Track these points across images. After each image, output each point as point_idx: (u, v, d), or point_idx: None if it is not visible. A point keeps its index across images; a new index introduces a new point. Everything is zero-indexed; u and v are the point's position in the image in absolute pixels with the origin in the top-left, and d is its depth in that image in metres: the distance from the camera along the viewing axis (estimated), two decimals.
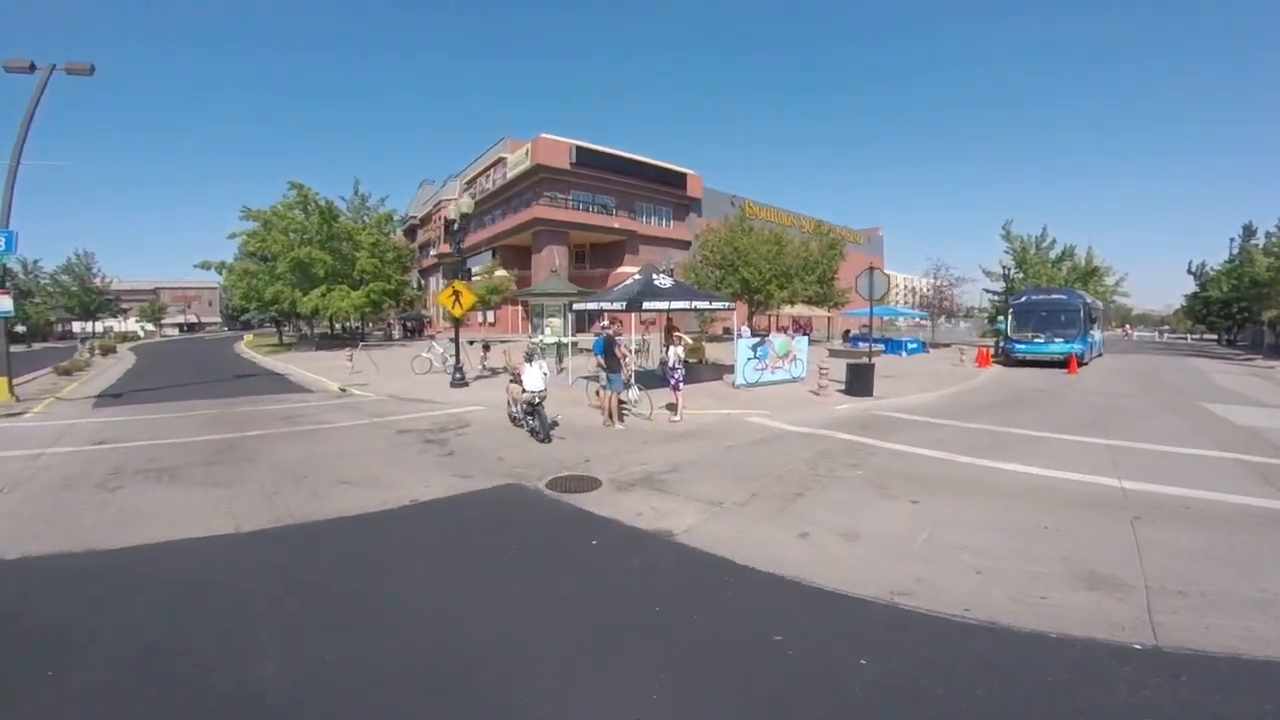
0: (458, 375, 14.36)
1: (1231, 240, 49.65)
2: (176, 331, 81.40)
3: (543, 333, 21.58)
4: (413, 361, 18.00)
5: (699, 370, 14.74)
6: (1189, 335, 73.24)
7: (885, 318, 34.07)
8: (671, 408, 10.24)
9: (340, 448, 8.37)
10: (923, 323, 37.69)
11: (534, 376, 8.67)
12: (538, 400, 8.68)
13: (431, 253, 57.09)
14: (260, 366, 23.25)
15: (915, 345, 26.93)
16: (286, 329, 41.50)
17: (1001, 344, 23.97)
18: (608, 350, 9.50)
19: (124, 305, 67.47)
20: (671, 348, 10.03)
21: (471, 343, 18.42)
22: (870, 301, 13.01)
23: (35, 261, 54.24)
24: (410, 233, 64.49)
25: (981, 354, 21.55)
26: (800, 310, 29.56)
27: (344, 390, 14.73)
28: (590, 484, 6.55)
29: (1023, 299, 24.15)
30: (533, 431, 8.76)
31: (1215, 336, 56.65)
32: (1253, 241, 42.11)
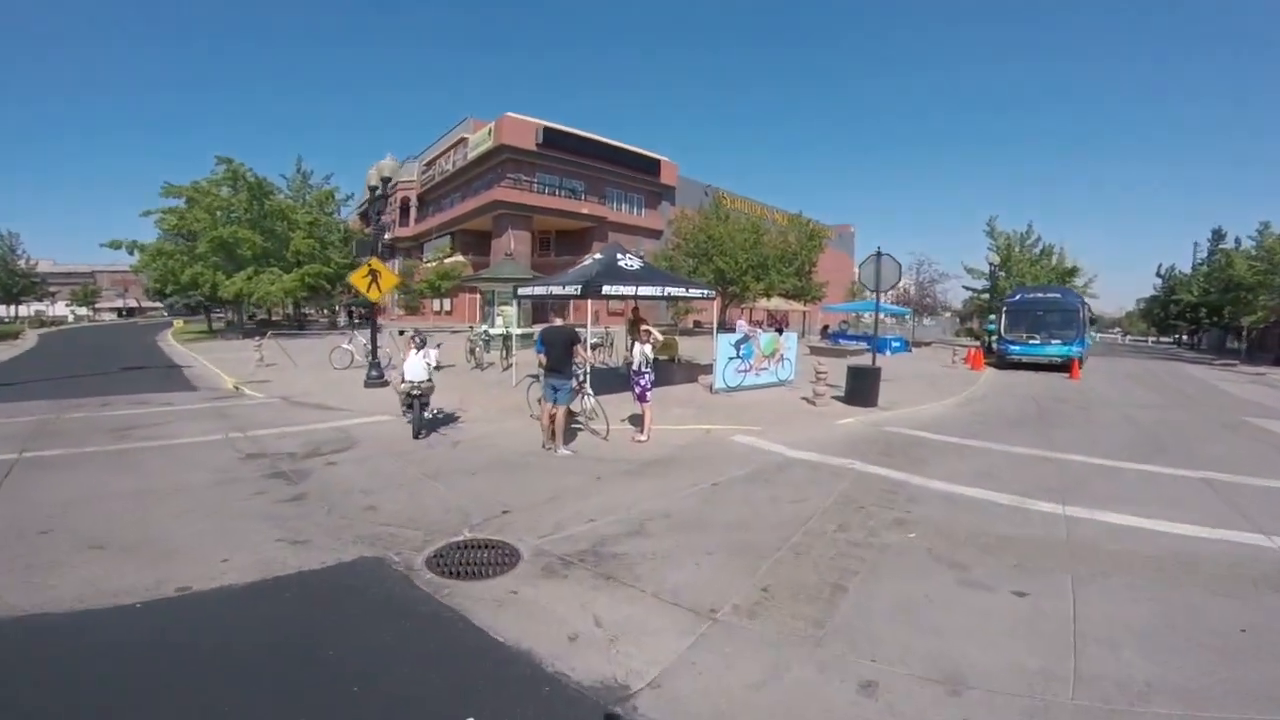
0: (374, 374, 11.68)
1: (1196, 245, 50.12)
2: (115, 316, 75.96)
3: (492, 322, 19.02)
4: (331, 354, 15.15)
5: (670, 370, 12.36)
6: (1148, 339, 74.88)
7: (863, 314, 32.40)
8: (636, 422, 7.87)
9: (149, 480, 5.72)
10: (904, 320, 36.21)
11: (414, 365, 7.77)
12: (416, 393, 7.68)
13: (387, 235, 53.51)
14: (164, 358, 19.87)
15: (899, 344, 25.17)
16: (223, 316, 37.67)
17: (994, 344, 22.36)
18: (556, 345, 6.98)
19: (51, 288, 63.41)
20: (638, 345, 7.65)
21: (402, 333, 15.62)
22: (877, 293, 10.85)
23: None
24: (366, 217, 60.94)
25: (974, 355, 19.82)
26: (777, 304, 27.55)
27: (237, 389, 11.95)
28: (501, 560, 4.13)
29: (1016, 297, 22.63)
30: (416, 434, 7.63)
31: (1171, 340, 57.38)
32: (1222, 245, 42.24)
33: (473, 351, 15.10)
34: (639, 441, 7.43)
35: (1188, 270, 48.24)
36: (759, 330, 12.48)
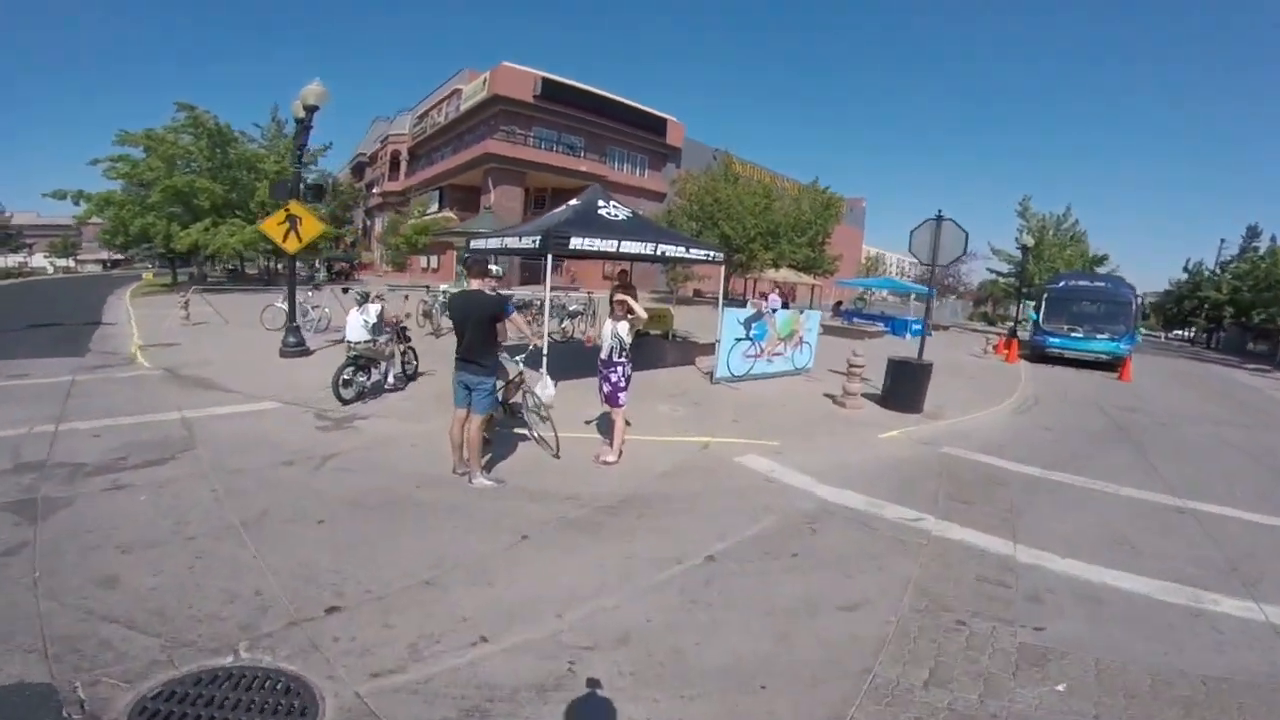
0: (291, 340, 9.38)
1: (1223, 241, 47.23)
2: (100, 268, 73.45)
3: (460, 283, 16.62)
4: (262, 313, 12.82)
5: (661, 349, 10.07)
6: (1160, 334, 71.89)
7: (880, 291, 29.89)
8: (605, 429, 5.63)
9: None
10: (920, 300, 33.68)
11: (352, 324, 7.18)
12: (352, 353, 6.92)
13: (374, 190, 50.70)
14: (94, 314, 17.38)
15: (918, 326, 22.74)
16: (188, 269, 35.16)
17: (1029, 334, 20.06)
18: (468, 321, 4.47)
19: (28, 240, 62.15)
20: (610, 324, 5.27)
21: (345, 290, 13.27)
22: (932, 265, 8.48)
23: None
24: (359, 171, 58.16)
25: (1006, 345, 17.56)
26: (786, 275, 24.99)
27: (139, 351, 9.76)
28: None
29: (1060, 284, 20.12)
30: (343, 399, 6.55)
31: (1183, 337, 54.68)
32: (1254, 244, 39.43)
33: (428, 314, 12.76)
34: (605, 463, 5.18)
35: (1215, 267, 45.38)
36: (774, 305, 10.11)
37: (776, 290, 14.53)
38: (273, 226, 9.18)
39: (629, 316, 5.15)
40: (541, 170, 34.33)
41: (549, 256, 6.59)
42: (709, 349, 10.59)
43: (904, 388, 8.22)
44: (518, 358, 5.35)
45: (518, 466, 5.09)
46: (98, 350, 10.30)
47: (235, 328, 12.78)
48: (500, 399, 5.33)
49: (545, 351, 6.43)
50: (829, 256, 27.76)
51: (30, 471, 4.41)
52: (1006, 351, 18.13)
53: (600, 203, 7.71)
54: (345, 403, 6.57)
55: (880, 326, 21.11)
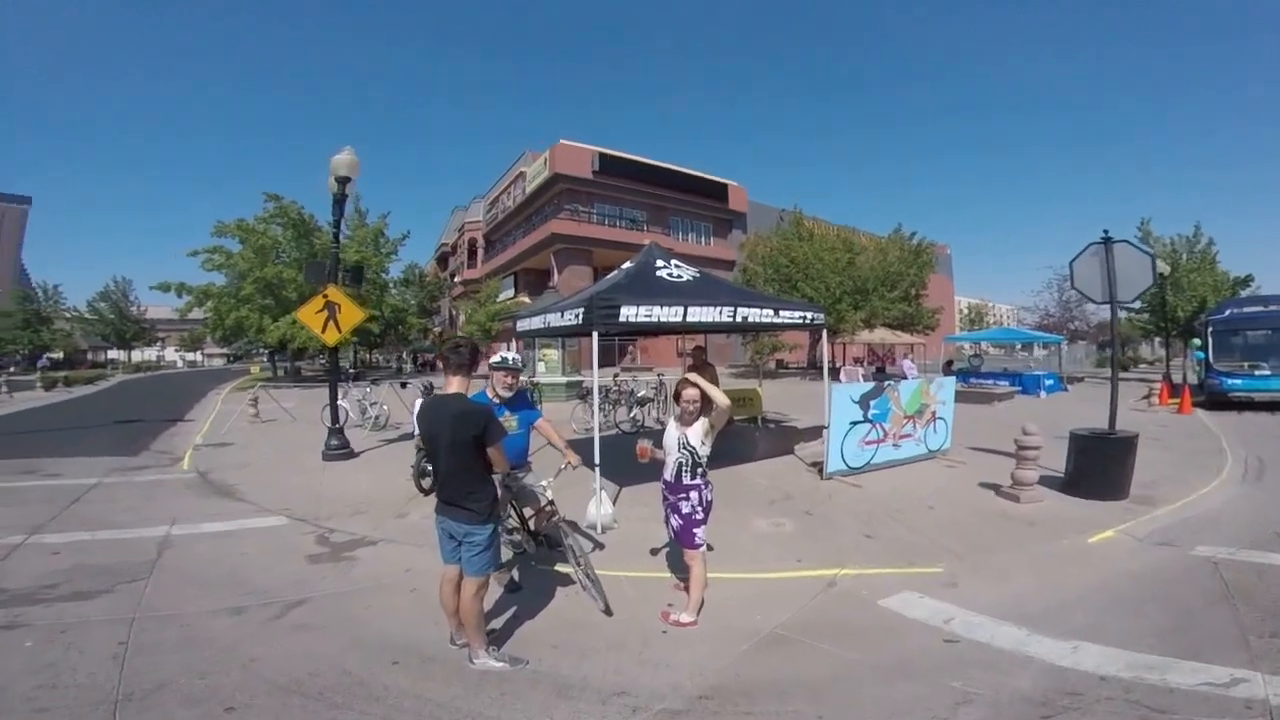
0: (333, 444, 8.44)
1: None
2: (222, 361, 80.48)
3: (532, 369, 15.70)
4: (322, 411, 12.25)
5: (747, 438, 8.23)
6: None
7: (1000, 344, 26.47)
8: (675, 567, 3.87)
9: None
10: (1050, 349, 29.59)
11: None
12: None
13: (456, 279, 53.14)
14: (180, 410, 17.95)
15: (1052, 381, 19.37)
16: (285, 363, 37.47)
17: (1198, 377, 16.44)
18: (439, 443, 2.91)
19: (160, 334, 67.06)
20: (673, 426, 3.54)
21: (404, 385, 12.54)
22: (1113, 305, 6.29)
23: (55, 287, 53.03)
24: (443, 261, 61.69)
25: (1172, 394, 14.22)
26: (881, 336, 22.46)
27: (191, 451, 9.53)
28: None
29: (1225, 314, 16.60)
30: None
31: None
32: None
33: None
34: (678, 625, 3.40)
35: None
36: (910, 371, 8.09)
37: (909, 357, 12.46)
38: (310, 315, 8.46)
39: (704, 415, 3.45)
40: (605, 247, 34.37)
41: (596, 335, 5.13)
42: (811, 434, 8.64)
43: (1098, 467, 5.94)
44: (545, 481, 3.78)
45: (548, 629, 3.44)
46: (154, 450, 10.06)
47: (301, 426, 12.36)
48: (526, 533, 3.78)
49: (598, 461, 4.84)
50: (928, 310, 25.01)
51: None
52: (1176, 401, 14.73)
53: (659, 262, 6.24)
54: (426, 493, 5.40)
55: (1007, 385, 18.05)
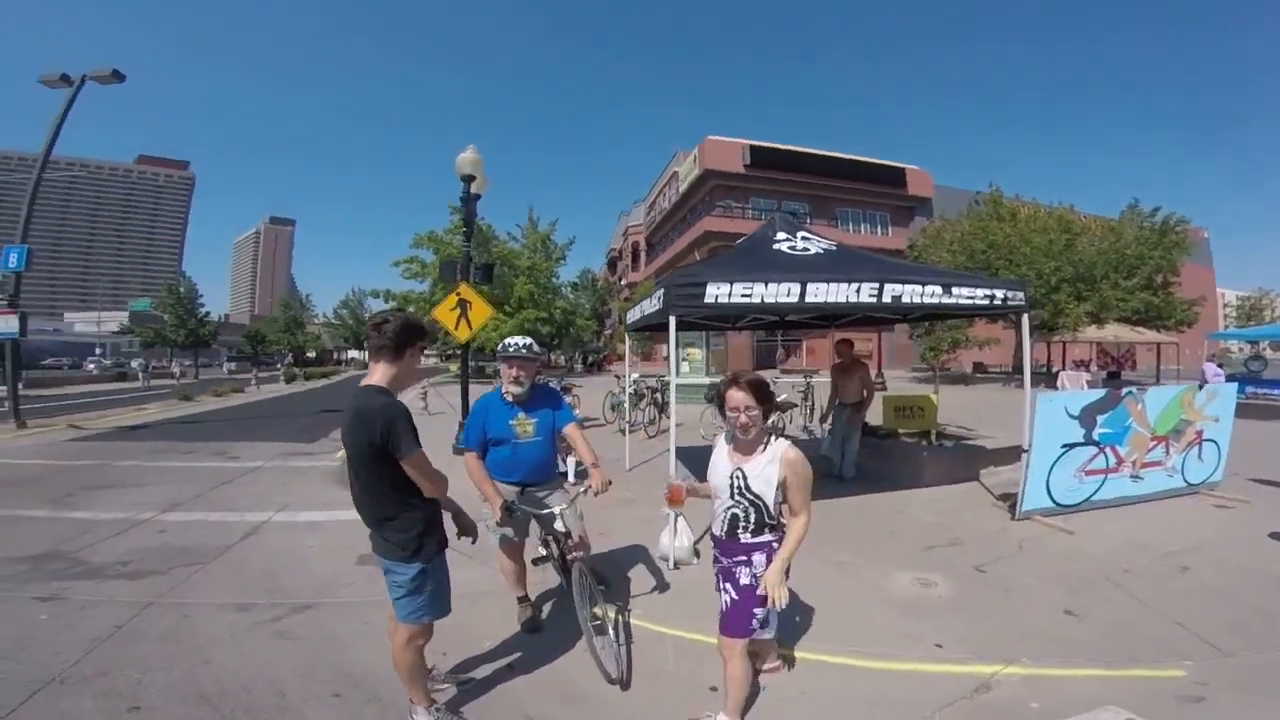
0: (462, 437, 8.53)
1: None
2: (435, 360, 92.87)
3: (676, 369, 15.04)
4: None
5: (913, 459, 6.54)
6: None
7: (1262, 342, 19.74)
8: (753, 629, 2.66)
9: None
10: None
11: None
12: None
13: (623, 282, 55.12)
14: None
15: None
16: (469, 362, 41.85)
17: None
18: (357, 463, 2.14)
19: None
20: (729, 453, 2.26)
21: (563, 388, 12.56)
22: None
23: (308, 296, 67.00)
24: (613, 265, 64.62)
25: None
26: (1117, 333, 17.53)
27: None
28: None
29: None
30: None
31: None
32: None
33: (615, 408, 11.21)
34: None
35: None
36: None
37: (1214, 359, 10.09)
38: (445, 313, 8.66)
39: (772, 431, 2.32)
40: None
41: (673, 322, 4.12)
42: (1007, 456, 6.63)
43: None
44: (558, 508, 2.91)
45: (537, 694, 2.62)
46: (330, 438, 11.13)
47: (458, 417, 13.20)
48: (559, 566, 3.07)
49: (674, 476, 3.83)
50: (1182, 301, 19.21)
51: (27, 564, 4.14)
52: None
53: (780, 235, 4.97)
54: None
55: None
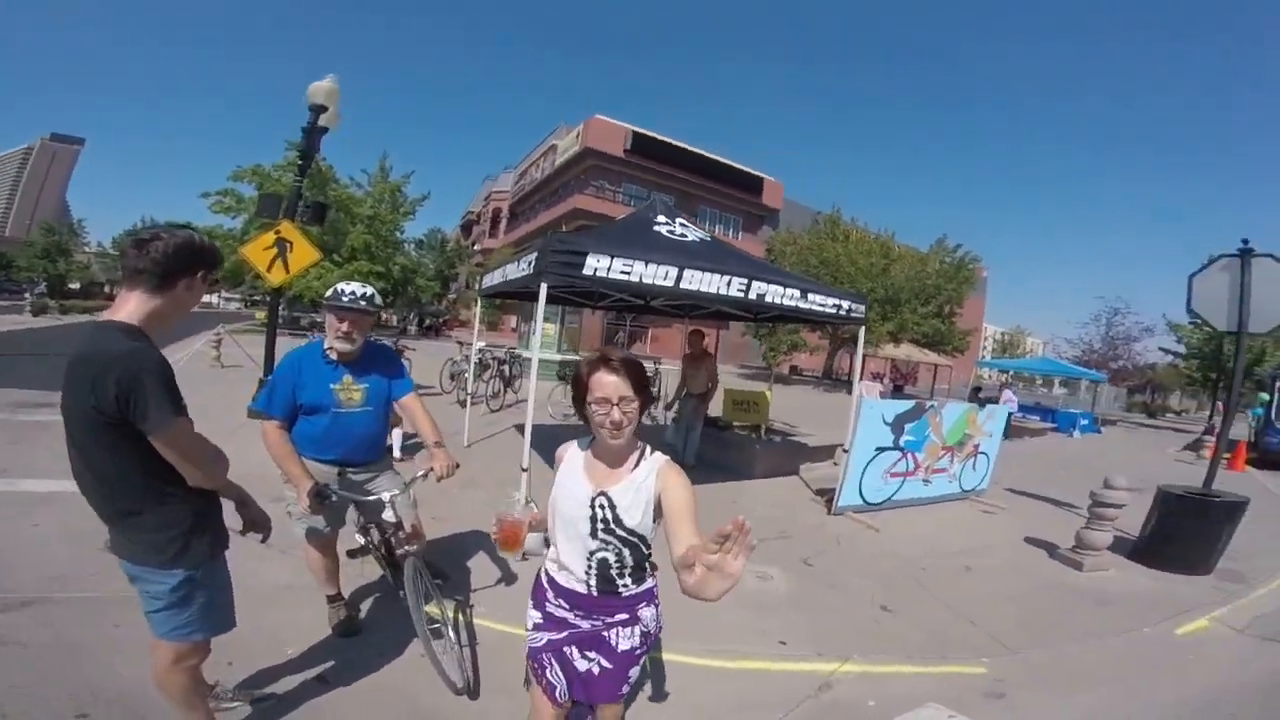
0: (262, 397, 7.22)
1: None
2: (238, 305, 79.93)
3: (526, 342, 14.48)
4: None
5: (746, 451, 6.90)
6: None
7: (1033, 374, 24.78)
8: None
9: None
10: (1067, 385, 27.76)
11: None
12: None
13: (476, 247, 52.24)
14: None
15: (1087, 422, 17.77)
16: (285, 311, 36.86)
17: (1256, 432, 14.84)
18: (74, 438, 1.50)
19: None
20: (585, 470, 1.59)
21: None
22: (1239, 332, 4.83)
23: (80, 221, 56.35)
24: (468, 229, 61.19)
25: (1228, 450, 12.58)
26: (907, 352, 20.82)
27: None
28: None
29: None
30: None
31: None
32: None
33: (454, 376, 10.43)
34: None
35: None
36: (942, 399, 6.77)
37: (1008, 385, 11.32)
38: (257, 252, 7.24)
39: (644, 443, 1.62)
40: None
41: (544, 289, 3.80)
42: (821, 453, 7.29)
43: (1188, 534, 4.66)
44: (388, 494, 2.45)
45: (364, 714, 2.18)
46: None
47: (259, 373, 11.29)
48: (383, 560, 2.67)
49: (527, 464, 3.53)
50: (960, 331, 23.28)
51: None
52: (1226, 456, 13.10)
53: (660, 217, 4.88)
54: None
55: (1039, 420, 16.54)
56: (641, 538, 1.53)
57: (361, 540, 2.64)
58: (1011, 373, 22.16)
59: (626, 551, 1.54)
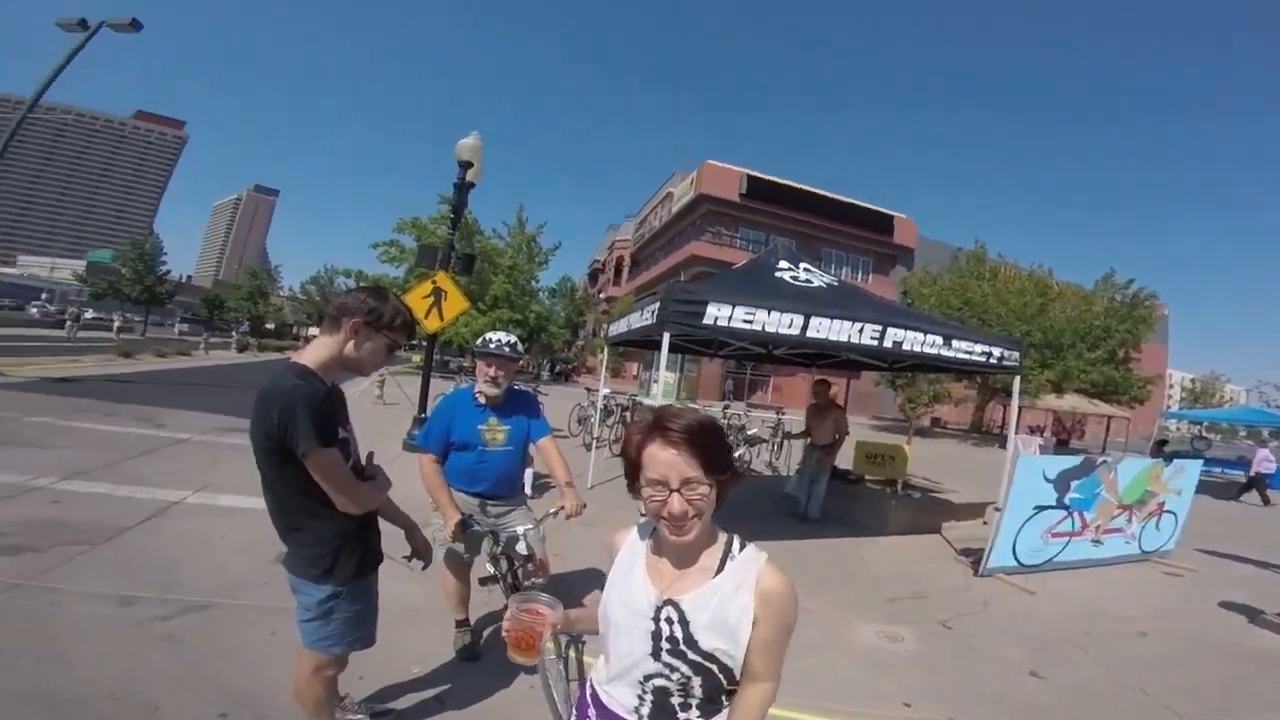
0: (416, 433, 8.14)
1: None
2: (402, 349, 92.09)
3: (648, 390, 14.85)
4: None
5: (879, 506, 6.45)
6: None
7: (1234, 425, 20.58)
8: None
9: None
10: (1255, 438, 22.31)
11: None
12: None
13: (601, 295, 54.94)
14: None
15: None
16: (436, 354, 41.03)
17: None
18: (263, 457, 1.75)
19: None
20: (647, 569, 1.18)
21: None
22: None
23: (276, 268, 64.92)
24: (594, 278, 64.46)
25: None
26: (1073, 403, 18.15)
27: None
28: None
29: None
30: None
31: None
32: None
33: (581, 420, 10.92)
34: None
35: None
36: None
37: (1267, 444, 10.00)
38: (417, 299, 8.32)
39: (729, 534, 1.17)
40: None
41: (665, 339, 3.94)
42: (968, 512, 6.60)
43: None
44: (523, 528, 2.65)
45: None
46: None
47: (413, 410, 12.72)
48: (509, 590, 2.67)
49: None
50: (1139, 379, 19.97)
51: None
52: None
53: (782, 263, 4.89)
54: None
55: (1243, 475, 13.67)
56: (719, 661, 1.07)
57: (492, 569, 2.81)
58: (1205, 424, 18.38)
59: (697, 681, 1.08)
